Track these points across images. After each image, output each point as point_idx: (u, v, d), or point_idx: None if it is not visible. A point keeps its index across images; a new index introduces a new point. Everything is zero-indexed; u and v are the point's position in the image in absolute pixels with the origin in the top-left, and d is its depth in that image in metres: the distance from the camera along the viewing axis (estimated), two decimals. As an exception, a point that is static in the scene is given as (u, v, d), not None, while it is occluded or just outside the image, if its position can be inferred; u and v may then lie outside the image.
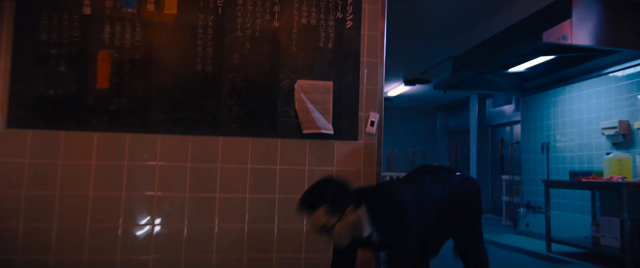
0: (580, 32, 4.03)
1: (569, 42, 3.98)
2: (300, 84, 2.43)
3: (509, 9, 4.79)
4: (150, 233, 2.25)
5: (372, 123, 2.47)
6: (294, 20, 2.47)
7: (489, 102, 8.97)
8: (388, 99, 9.54)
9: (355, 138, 2.46)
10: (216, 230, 2.30)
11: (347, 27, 2.51)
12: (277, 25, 2.45)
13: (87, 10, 2.29)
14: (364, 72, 2.51)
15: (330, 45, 2.48)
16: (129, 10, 2.32)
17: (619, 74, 4.80)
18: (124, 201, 2.24)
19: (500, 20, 5.00)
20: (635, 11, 4.19)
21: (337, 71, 2.48)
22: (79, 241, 2.18)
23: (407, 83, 7.96)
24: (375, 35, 2.53)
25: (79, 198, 2.20)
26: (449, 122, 10.86)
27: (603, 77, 5.01)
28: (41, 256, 2.15)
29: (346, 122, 2.46)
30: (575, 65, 5.07)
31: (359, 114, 2.48)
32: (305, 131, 2.40)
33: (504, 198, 7.21)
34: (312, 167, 2.41)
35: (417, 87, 8.50)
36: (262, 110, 2.40)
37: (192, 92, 2.35)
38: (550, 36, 3.97)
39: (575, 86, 5.39)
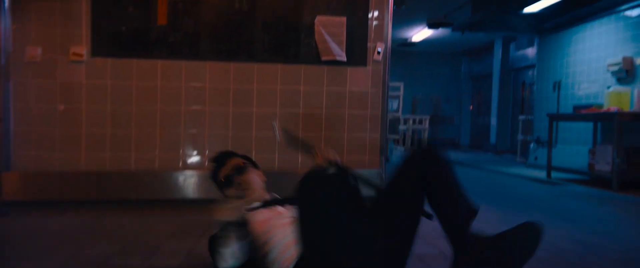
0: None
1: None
2: (319, 20, 2.95)
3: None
4: (204, 137, 2.92)
5: (379, 52, 2.98)
6: (314, -35, 2.95)
7: (512, 46, 9.14)
8: (412, 43, 9.83)
9: (364, 64, 3.00)
10: (253, 135, 2.94)
11: (359, -30, 2.98)
12: (300, -30, 2.95)
13: (147, -39, 2.86)
14: (373, 9, 3.00)
15: (344, -14, 2.97)
16: (180, -40, 2.86)
17: (629, 13, 5.02)
18: (183, 114, 2.90)
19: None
20: None
21: (350, 8, 2.98)
22: (152, 142, 2.87)
23: (430, 26, 8.24)
24: (383, -23, 3.00)
25: (149, 111, 2.87)
26: (473, 67, 11.08)
27: (613, 15, 5.23)
28: (124, 153, 2.86)
29: (357, 51, 2.99)
30: (587, 4, 5.29)
31: (368, 44, 3.00)
32: (323, 58, 2.95)
33: (520, 137, 7.61)
34: (329, 87, 2.98)
35: (441, 32, 8.76)
36: (289, 42, 2.95)
37: (232, 27, 2.92)
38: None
39: (588, 25, 5.63)
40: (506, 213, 3.04)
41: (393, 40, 10.03)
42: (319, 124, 2.98)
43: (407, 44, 9.99)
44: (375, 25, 3.01)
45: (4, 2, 2.68)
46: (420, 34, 9.04)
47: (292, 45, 2.96)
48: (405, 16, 7.90)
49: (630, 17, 4.94)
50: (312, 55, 2.96)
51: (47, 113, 2.79)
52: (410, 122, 9.86)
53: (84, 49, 2.82)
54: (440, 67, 11.30)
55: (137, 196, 2.81)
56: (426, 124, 9.74)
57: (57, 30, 2.80)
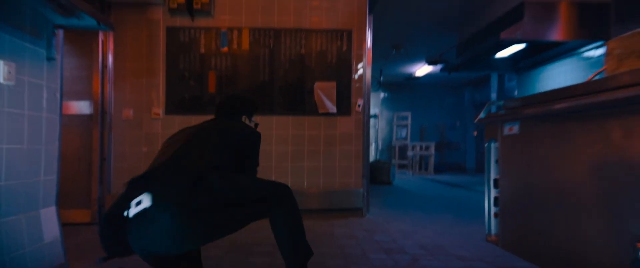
0: (531, 31, 5.49)
1: (521, 38, 5.47)
2: (317, 85, 4.28)
3: (490, 8, 6.28)
4: (239, 169, 4.25)
5: (359, 105, 4.27)
6: (313, 47, 4.30)
7: (506, 77, 10.26)
8: (415, 78, 11.07)
9: (349, 114, 4.29)
10: (273, 165, 4.25)
11: (343, 49, 4.31)
12: (303, 51, 4.30)
13: (202, 50, 4.27)
14: (354, 76, 4.31)
15: (334, 61, 4.30)
16: (224, 48, 4.27)
17: (589, 54, 6.15)
18: (226, 152, 4.24)
19: (484, 19, 6.49)
20: (575, 10, 5.56)
21: (339, 76, 4.30)
22: (205, 172, 4.22)
23: (429, 63, 9.49)
24: (361, 53, 4.31)
25: (203, 150, 4.22)
26: (475, 96, 12.19)
27: (575, 56, 6.37)
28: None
29: (344, 105, 4.29)
30: (548, 49, 6.46)
31: (351, 100, 4.30)
32: (320, 111, 4.26)
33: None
34: (325, 131, 4.28)
35: (440, 67, 9.99)
36: (296, 101, 4.28)
37: (258, 91, 4.27)
38: (508, 34, 5.49)
39: (555, 64, 6.77)
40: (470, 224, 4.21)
41: (399, 75, 11.34)
42: (319, 157, 4.27)
43: (412, 79, 11.24)
44: (357, 87, 4.31)
45: (109, 78, 4.13)
46: (422, 69, 10.28)
47: (299, 102, 4.29)
48: (407, 56, 9.21)
49: (590, 57, 6.06)
50: (313, 109, 4.28)
51: (135, 153, 4.19)
52: (418, 148, 11.03)
53: (160, 110, 4.22)
54: (445, 97, 12.45)
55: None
56: (432, 150, 10.90)
57: (143, 97, 4.22)
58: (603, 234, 1.57)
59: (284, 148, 4.25)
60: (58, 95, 2.34)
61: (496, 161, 2.31)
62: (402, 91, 12.06)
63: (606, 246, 1.54)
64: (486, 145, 2.38)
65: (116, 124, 4.18)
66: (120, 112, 4.19)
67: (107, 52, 4.13)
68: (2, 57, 1.92)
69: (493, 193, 2.33)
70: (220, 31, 4.26)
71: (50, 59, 2.24)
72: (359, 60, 4.32)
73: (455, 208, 5.01)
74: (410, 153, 10.43)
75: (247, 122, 2.33)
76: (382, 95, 12.07)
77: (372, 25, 4.39)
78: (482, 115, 2.40)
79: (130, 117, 4.20)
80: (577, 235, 1.69)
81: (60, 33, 2.31)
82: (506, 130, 2.22)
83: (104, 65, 4.11)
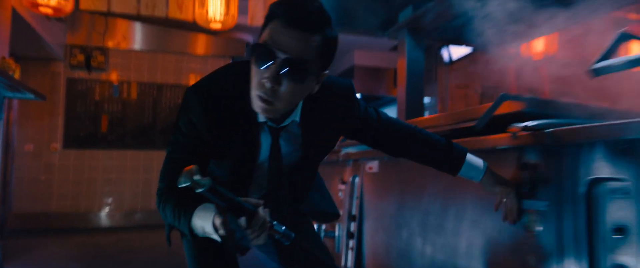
0: (359, 87, 7.43)
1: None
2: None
3: (331, 70, 8.21)
4: (120, 188, 5.40)
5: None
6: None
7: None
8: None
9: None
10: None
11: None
12: (180, 101, 5.65)
13: (97, 97, 5.40)
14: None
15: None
16: (116, 96, 5.45)
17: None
18: (102, 180, 5.37)
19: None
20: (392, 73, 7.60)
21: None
22: (80, 192, 5.31)
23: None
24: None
25: (95, 179, 5.31)
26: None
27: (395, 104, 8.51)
28: (66, 201, 5.26)
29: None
30: (378, 100, 8.48)
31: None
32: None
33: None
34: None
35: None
36: (175, 139, 5.59)
37: (144, 132, 5.50)
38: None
39: (386, 109, 8.89)
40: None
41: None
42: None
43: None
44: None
45: (14, 118, 5.06)
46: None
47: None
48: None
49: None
50: (187, 146, 5.62)
51: (34, 181, 5.14)
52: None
53: (58, 145, 5.24)
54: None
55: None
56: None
57: (44, 134, 5.22)
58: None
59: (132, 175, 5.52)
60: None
61: (358, 197, 2.35)
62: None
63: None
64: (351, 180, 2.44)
65: (18, 156, 5.10)
66: (22, 146, 5.13)
67: (13, 97, 5.08)
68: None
69: (352, 227, 2.37)
70: (112, 84, 5.45)
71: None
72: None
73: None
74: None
75: None
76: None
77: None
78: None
79: (31, 150, 5.16)
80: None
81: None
82: (367, 169, 2.31)
83: (10, 107, 5.04)
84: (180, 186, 0.81)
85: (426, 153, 1.29)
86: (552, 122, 1.22)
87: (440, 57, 5.55)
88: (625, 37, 1.29)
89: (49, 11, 3.55)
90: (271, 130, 1.10)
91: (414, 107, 2.73)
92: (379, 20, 3.19)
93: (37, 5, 3.44)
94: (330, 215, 1.44)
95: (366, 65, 7.18)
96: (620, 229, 1.04)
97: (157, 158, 5.53)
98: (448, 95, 5.55)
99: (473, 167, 1.25)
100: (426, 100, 5.74)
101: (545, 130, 1.20)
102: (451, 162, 1.26)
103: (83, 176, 5.29)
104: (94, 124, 5.39)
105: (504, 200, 1.26)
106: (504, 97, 1.35)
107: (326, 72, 1.06)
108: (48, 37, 4.61)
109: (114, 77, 5.45)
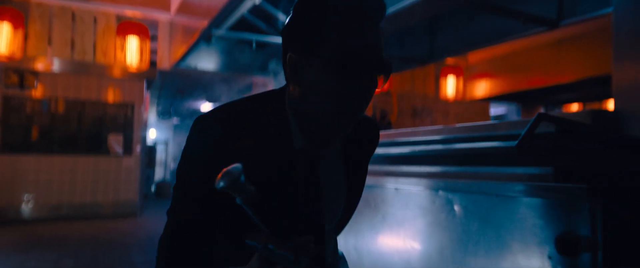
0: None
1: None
2: (110, 136, 7.00)
3: (238, 82, 9.77)
4: (37, 185, 6.68)
5: (117, 149, 7.17)
6: (108, 113, 7.02)
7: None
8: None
9: (130, 154, 7.12)
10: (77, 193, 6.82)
11: (128, 114, 7.14)
12: (102, 114, 6.97)
13: (29, 111, 6.55)
14: (136, 130, 7.17)
15: (122, 121, 7.10)
16: (45, 110, 6.64)
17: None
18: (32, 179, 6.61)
19: (235, 86, 9.96)
20: None
21: (125, 130, 7.12)
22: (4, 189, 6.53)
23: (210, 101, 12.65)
24: (140, 118, 7.20)
25: (24, 178, 6.52)
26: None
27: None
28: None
29: (126, 148, 7.13)
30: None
31: (133, 146, 7.15)
32: (111, 152, 7.00)
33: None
34: (114, 166, 7.04)
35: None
36: (96, 146, 6.92)
37: (70, 140, 6.76)
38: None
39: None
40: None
41: (190, 109, 14.07)
42: (114, 180, 6.98)
43: (199, 111, 14.31)
44: (136, 137, 7.19)
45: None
46: (206, 105, 13.44)
47: (97, 148, 6.92)
48: (192, 97, 12.17)
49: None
50: (108, 152, 6.97)
51: (-26, 179, 6.25)
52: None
53: (-6, 150, 6.37)
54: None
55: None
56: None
57: (-19, 142, 6.31)
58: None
59: (92, 176, 6.85)
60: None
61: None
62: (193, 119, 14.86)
63: None
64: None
65: (-42, 160, 6.16)
66: (-39, 151, 6.18)
67: (-46, 111, 6.11)
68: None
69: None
70: (42, 100, 6.64)
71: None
72: (139, 121, 7.21)
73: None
74: (196, 169, 13.31)
75: None
76: (175, 121, 14.59)
77: (149, 98, 7.33)
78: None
79: (-31, 154, 6.23)
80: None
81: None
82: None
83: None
84: (218, 188, 0.67)
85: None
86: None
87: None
88: (542, 118, 1.38)
89: (4, 59, 4.85)
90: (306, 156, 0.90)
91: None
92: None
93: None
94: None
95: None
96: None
97: (82, 162, 6.83)
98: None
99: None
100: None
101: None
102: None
103: (17, 176, 6.47)
104: (27, 133, 6.55)
105: None
106: (542, 116, 1.39)
107: None
108: (-10, 67, 5.75)
109: (43, 93, 6.64)
